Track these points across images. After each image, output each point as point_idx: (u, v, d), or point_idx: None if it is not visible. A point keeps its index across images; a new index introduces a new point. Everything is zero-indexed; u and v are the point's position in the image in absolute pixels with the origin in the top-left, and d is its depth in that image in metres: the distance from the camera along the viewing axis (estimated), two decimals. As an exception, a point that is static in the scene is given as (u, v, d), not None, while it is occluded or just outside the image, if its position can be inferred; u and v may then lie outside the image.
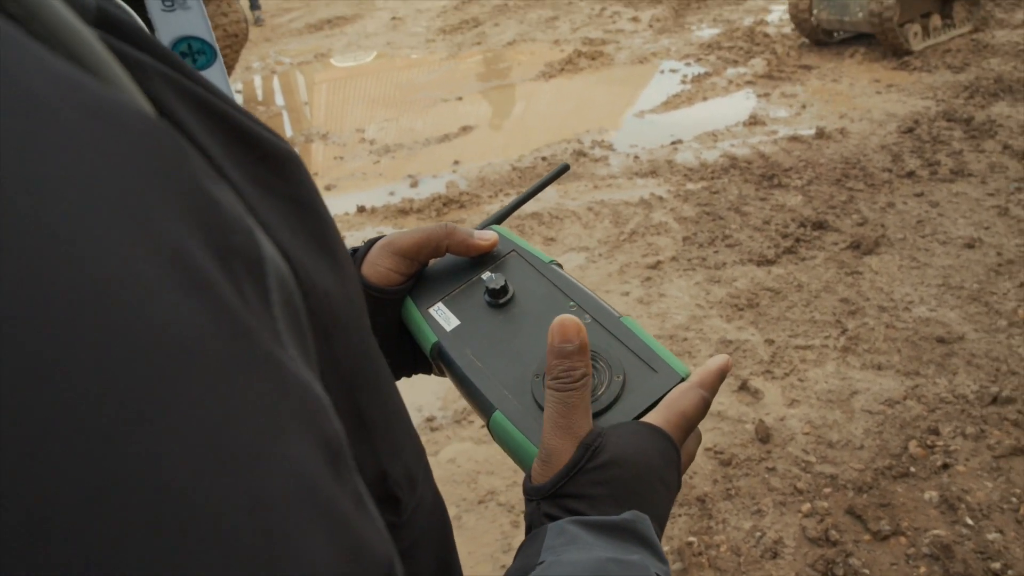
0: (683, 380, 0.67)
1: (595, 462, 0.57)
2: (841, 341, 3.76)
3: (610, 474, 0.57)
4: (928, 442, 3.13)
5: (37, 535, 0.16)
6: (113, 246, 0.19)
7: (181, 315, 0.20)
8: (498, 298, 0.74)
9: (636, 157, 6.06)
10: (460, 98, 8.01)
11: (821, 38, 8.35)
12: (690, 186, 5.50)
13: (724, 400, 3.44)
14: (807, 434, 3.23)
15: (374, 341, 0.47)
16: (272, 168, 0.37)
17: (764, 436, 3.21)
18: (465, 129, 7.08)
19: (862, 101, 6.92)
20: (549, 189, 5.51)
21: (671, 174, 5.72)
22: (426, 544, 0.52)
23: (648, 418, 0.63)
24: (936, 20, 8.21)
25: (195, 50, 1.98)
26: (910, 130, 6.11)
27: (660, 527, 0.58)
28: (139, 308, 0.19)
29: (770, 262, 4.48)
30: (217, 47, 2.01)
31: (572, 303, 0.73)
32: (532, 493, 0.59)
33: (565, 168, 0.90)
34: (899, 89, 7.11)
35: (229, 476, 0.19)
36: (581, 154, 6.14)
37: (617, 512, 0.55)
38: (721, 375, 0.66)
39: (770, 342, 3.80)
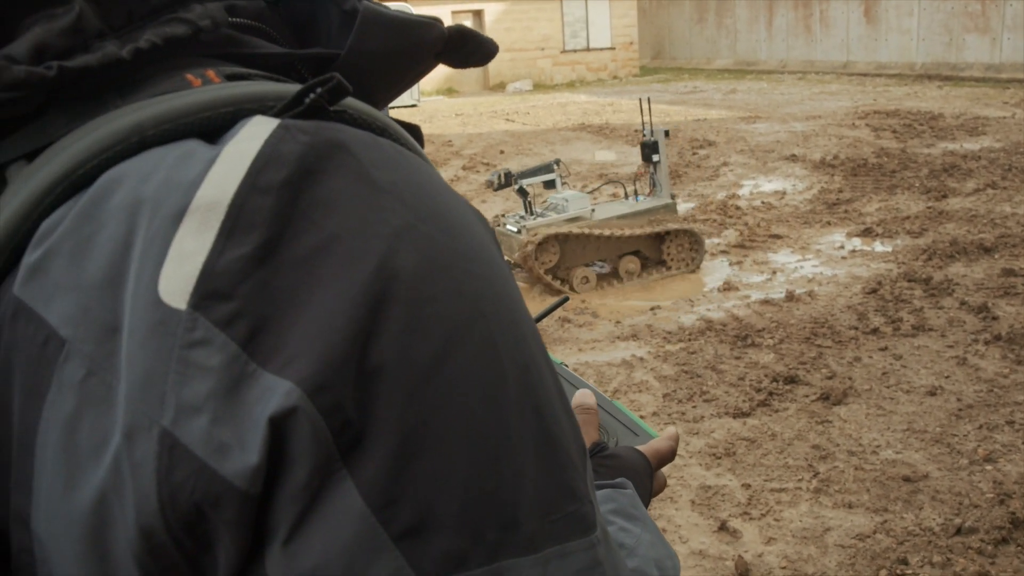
0: (653, 439, 1.01)
1: (602, 453, 0.91)
2: (813, 483, 3.99)
3: (610, 462, 0.90)
4: (897, 571, 3.32)
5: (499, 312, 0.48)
6: (488, 242, 0.50)
7: (502, 262, 0.50)
8: None
9: (618, 322, 6.40)
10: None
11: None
12: (669, 347, 5.81)
13: (705, 539, 3.64)
14: (784, 568, 3.42)
15: None
16: None
17: (743, 571, 3.39)
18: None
19: (828, 265, 7.34)
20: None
21: (651, 337, 6.04)
22: None
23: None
24: (630, 263, 7.44)
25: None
26: (874, 291, 6.50)
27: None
28: (485, 244, 0.49)
29: (745, 414, 4.74)
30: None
31: (577, 391, 1.03)
32: None
33: (565, 299, 1.21)
34: (862, 254, 7.55)
35: (526, 316, 0.50)
36: (567, 320, 6.48)
37: (614, 478, 0.88)
38: (678, 436, 1.02)
39: (747, 486, 4.02)
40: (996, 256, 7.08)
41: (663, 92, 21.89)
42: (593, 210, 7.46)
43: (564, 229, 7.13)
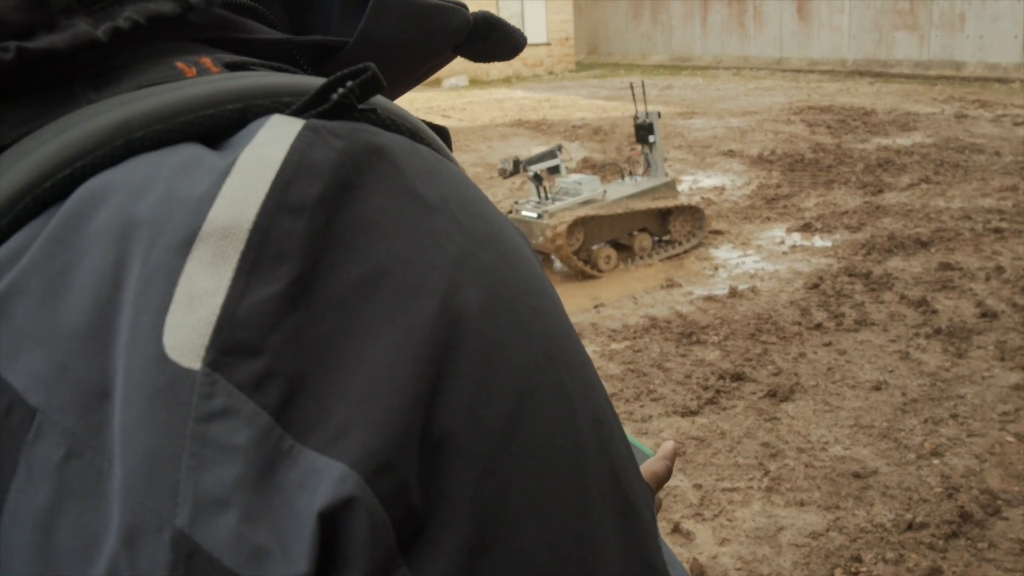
0: (649, 458, 0.94)
1: None
2: (764, 482, 3.97)
3: None
4: (852, 569, 3.31)
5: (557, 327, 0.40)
6: (539, 267, 0.42)
7: (555, 291, 0.42)
8: None
9: (562, 321, 6.34)
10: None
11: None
12: (614, 346, 5.77)
13: (659, 542, 3.60)
14: (739, 569, 3.39)
15: None
16: None
17: (699, 574, 3.35)
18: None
19: (770, 261, 7.38)
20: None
21: (595, 335, 6.00)
22: None
23: None
24: (644, 240, 7.67)
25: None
26: (815, 286, 6.54)
27: None
28: (541, 273, 0.41)
29: (693, 413, 4.71)
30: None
31: None
32: None
33: None
34: (803, 249, 7.61)
35: (587, 355, 0.42)
36: (509, 320, 6.40)
37: None
38: (675, 452, 0.94)
39: (698, 487, 3.99)
40: (932, 250, 7.17)
41: (599, 88, 21.94)
42: (605, 191, 7.57)
43: (591, 212, 7.24)
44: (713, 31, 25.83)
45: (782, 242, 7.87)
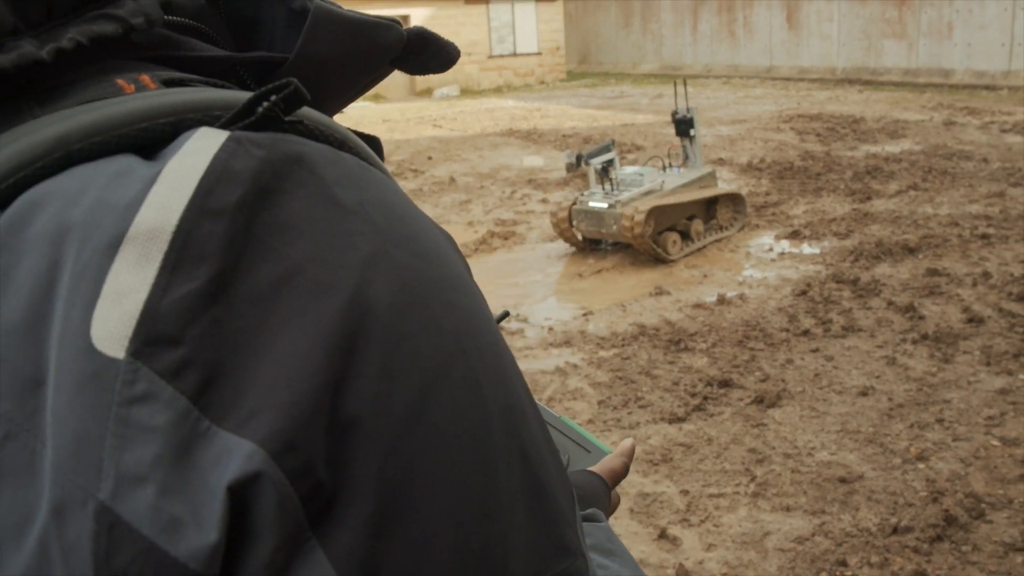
0: (607, 455, 0.96)
1: None
2: (751, 487, 3.99)
3: None
4: (837, 573, 3.32)
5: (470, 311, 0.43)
6: (461, 267, 0.45)
7: (477, 290, 0.45)
8: None
9: (550, 328, 6.36)
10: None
11: (589, 246, 8.27)
12: (602, 353, 5.78)
13: (645, 548, 3.61)
14: (725, 574, 3.40)
15: None
16: None
17: (684, 579, 3.36)
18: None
19: (758, 268, 7.41)
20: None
21: (584, 343, 6.01)
22: None
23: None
24: (698, 225, 8.03)
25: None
26: (803, 292, 6.56)
27: None
28: (460, 271, 0.44)
29: (681, 419, 4.72)
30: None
31: None
32: None
33: (505, 314, 1.15)
34: (791, 256, 7.63)
35: (506, 349, 0.45)
36: (499, 328, 6.41)
37: (583, 510, 0.81)
38: (633, 450, 0.98)
39: (685, 492, 4.00)
40: (920, 256, 7.21)
41: (590, 97, 21.99)
42: (663, 182, 7.98)
43: (660, 201, 7.63)
44: (703, 40, 25.93)
45: (771, 249, 7.90)
